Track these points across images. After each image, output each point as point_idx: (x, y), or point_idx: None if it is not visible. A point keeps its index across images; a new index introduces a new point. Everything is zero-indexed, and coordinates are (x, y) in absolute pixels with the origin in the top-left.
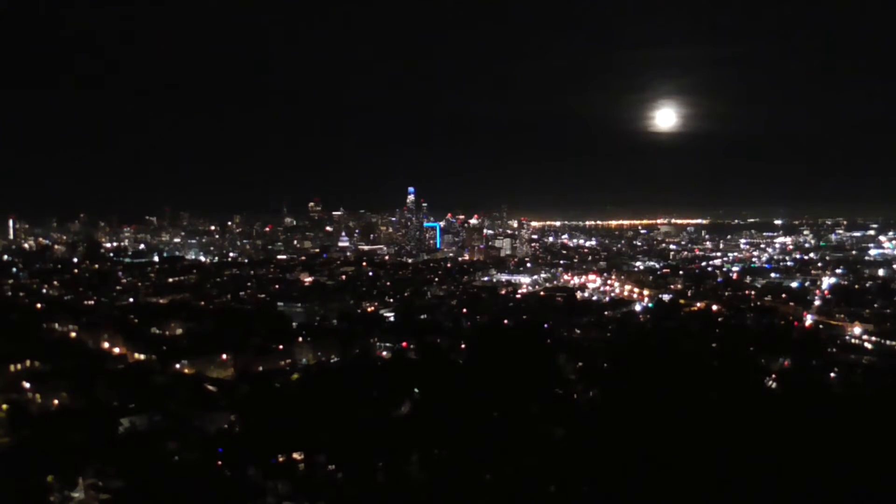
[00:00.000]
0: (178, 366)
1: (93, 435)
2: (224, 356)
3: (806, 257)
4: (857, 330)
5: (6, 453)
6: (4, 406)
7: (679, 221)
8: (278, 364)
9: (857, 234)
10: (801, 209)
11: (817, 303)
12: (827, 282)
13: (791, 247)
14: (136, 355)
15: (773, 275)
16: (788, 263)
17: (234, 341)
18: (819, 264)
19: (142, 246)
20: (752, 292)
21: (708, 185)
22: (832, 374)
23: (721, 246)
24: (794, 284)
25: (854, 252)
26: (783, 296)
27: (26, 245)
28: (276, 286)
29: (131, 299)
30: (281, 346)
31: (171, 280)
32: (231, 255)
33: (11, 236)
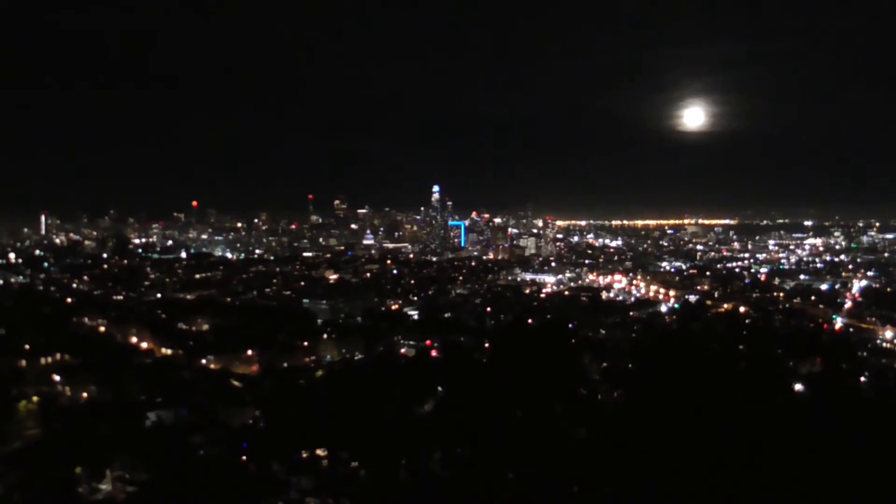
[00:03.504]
0: (203, 361)
1: (120, 428)
2: (249, 352)
3: (836, 259)
4: (889, 334)
5: (37, 445)
6: (35, 398)
7: (706, 222)
8: (303, 361)
9: (890, 236)
10: (833, 210)
11: (848, 305)
12: (858, 284)
13: (821, 248)
14: (163, 350)
15: (802, 277)
16: (818, 265)
17: (259, 337)
18: (850, 266)
19: (169, 242)
20: (781, 294)
21: (736, 184)
22: (863, 379)
23: (749, 247)
24: (824, 287)
25: (887, 254)
26: (813, 298)
27: (57, 240)
28: (302, 283)
29: (159, 295)
30: (306, 343)
31: (197, 276)
32: (257, 252)
33: (43, 231)
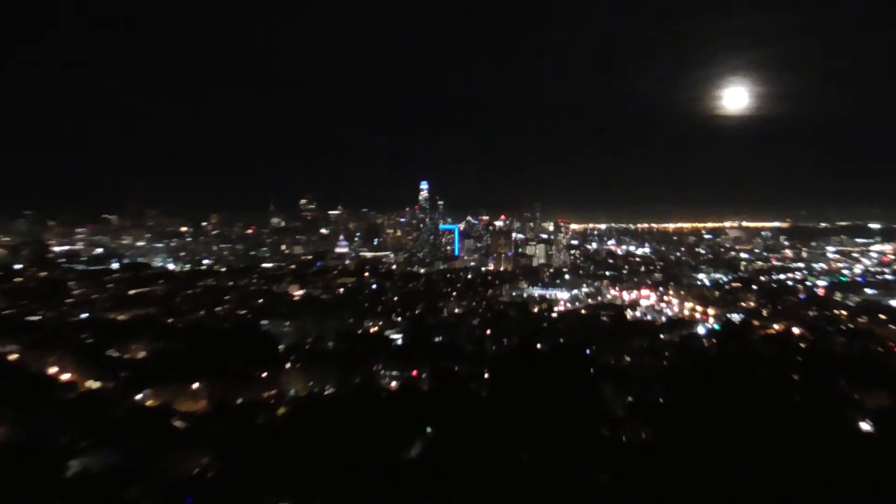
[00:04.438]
0: (140, 396)
1: (36, 479)
2: (196, 385)
3: None
4: None
5: None
6: None
7: (752, 224)
8: (262, 395)
9: None
10: None
11: None
12: None
13: (891, 256)
14: (90, 382)
15: (868, 291)
16: (888, 277)
17: (208, 366)
18: None
19: (99, 250)
20: (844, 312)
21: (787, 180)
22: None
23: (804, 255)
24: None
25: None
26: (882, 317)
27: None
28: (260, 300)
29: (85, 314)
30: (265, 373)
31: (132, 292)
32: (206, 261)
33: None
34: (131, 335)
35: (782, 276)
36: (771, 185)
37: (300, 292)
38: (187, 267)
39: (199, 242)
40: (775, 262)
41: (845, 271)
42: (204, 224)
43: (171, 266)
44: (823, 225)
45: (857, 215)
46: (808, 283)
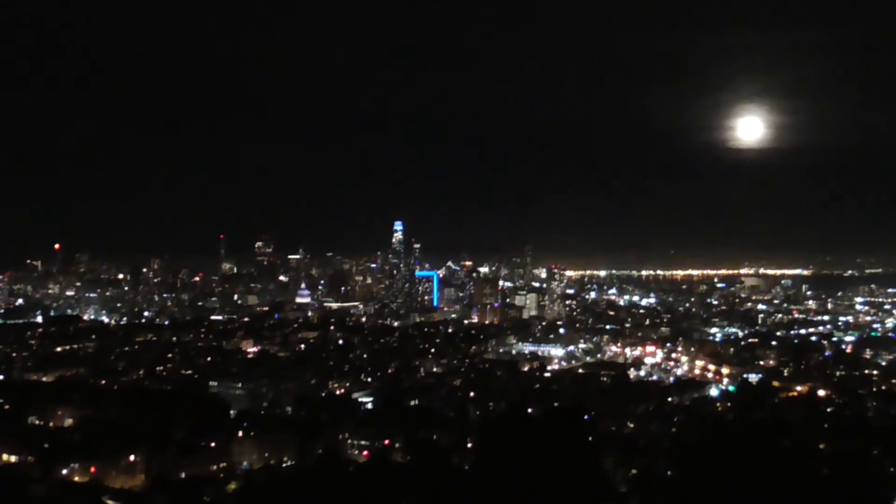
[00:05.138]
0: (65, 470)
1: None
2: (132, 457)
3: None
4: None
5: None
6: None
7: (770, 272)
8: (210, 468)
9: None
10: None
11: None
12: None
13: None
14: (7, 455)
15: None
16: None
17: (147, 435)
18: None
19: (19, 301)
20: (875, 372)
21: (810, 222)
22: None
23: (829, 306)
24: None
25: None
26: None
27: None
28: (208, 358)
29: (1, 376)
30: (214, 443)
31: (59, 349)
32: (146, 313)
33: None
34: (56, 399)
35: (805, 331)
36: (792, 227)
37: (254, 349)
38: (124, 320)
39: (137, 292)
40: (797, 315)
41: (876, 325)
42: (144, 271)
43: (104, 318)
44: (851, 273)
45: (890, 262)
46: (834, 339)
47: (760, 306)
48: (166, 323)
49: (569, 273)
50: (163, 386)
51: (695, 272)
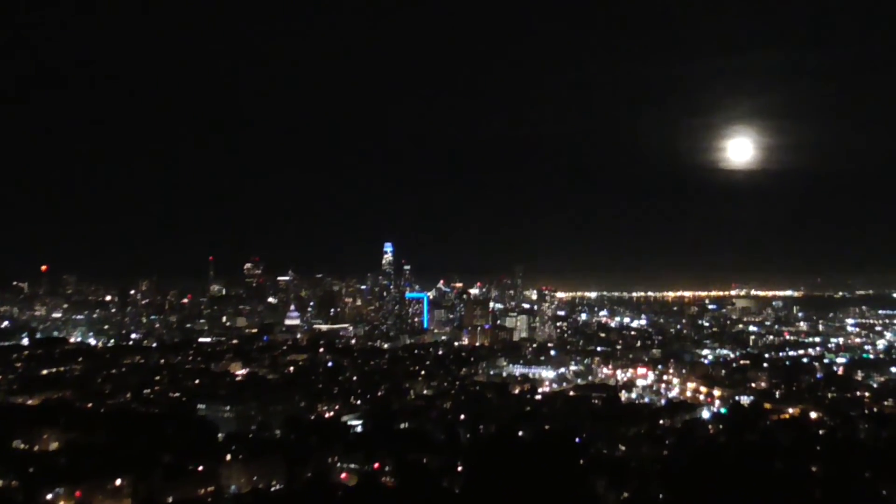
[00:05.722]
0: (50, 495)
1: None
2: (119, 481)
3: None
4: None
5: None
6: None
7: (762, 293)
8: (197, 492)
9: None
10: None
11: None
12: None
13: None
14: None
15: (894, 369)
16: None
17: (134, 459)
18: None
19: (5, 323)
20: (867, 394)
21: (801, 243)
22: None
23: (820, 328)
24: None
25: None
26: None
27: None
28: (197, 381)
29: None
30: (201, 467)
31: (45, 371)
32: (134, 335)
33: None
34: (42, 423)
35: (796, 353)
36: (783, 248)
37: (243, 371)
38: (111, 342)
39: (125, 313)
40: (788, 337)
41: (867, 347)
42: (132, 292)
43: (91, 341)
44: (842, 294)
45: (880, 283)
46: (825, 361)
47: (752, 328)
48: (154, 345)
49: (559, 295)
50: (150, 409)
51: (686, 293)
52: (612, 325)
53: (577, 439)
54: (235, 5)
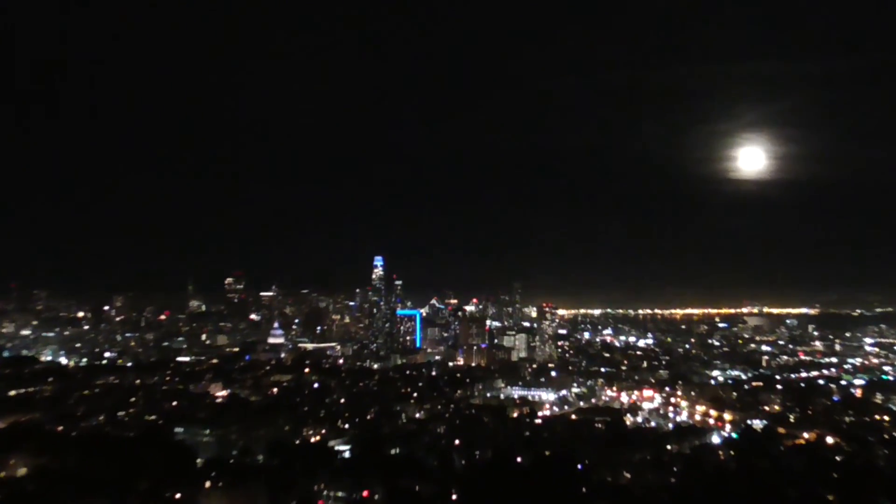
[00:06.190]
0: None
1: None
2: None
3: None
4: None
5: None
6: None
7: (774, 311)
8: None
9: None
10: None
11: None
12: None
13: None
14: None
15: None
16: None
17: (107, 486)
18: None
19: None
20: (886, 418)
21: (816, 258)
22: None
23: (837, 348)
24: None
25: None
26: None
27: None
28: (174, 402)
29: None
30: (179, 495)
31: (13, 392)
32: (108, 354)
33: None
34: (9, 447)
35: (811, 374)
36: (797, 264)
37: (224, 393)
38: (84, 361)
39: (99, 331)
40: (803, 357)
41: (887, 367)
42: (106, 308)
43: (63, 360)
44: (860, 312)
45: None
46: (842, 382)
47: (764, 347)
48: (129, 365)
49: (561, 312)
50: (125, 432)
51: (695, 311)
52: (617, 344)
53: (578, 466)
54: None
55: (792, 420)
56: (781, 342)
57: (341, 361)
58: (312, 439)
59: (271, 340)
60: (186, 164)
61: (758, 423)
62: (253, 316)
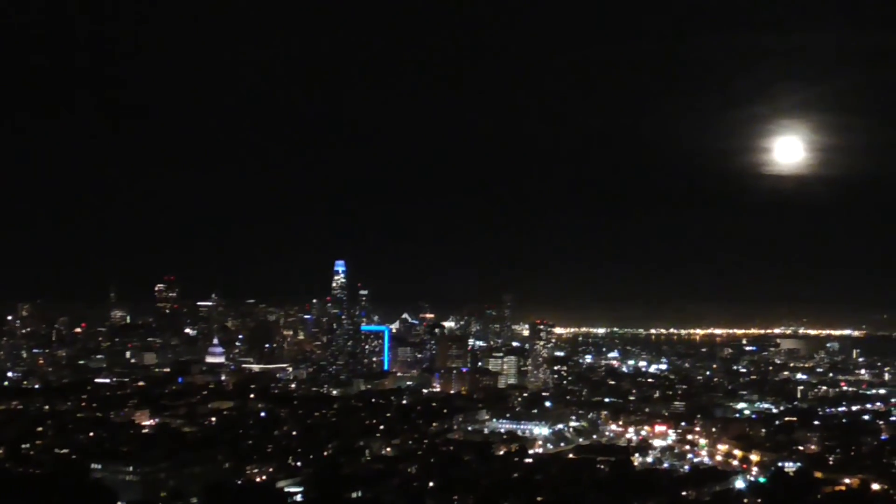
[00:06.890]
0: None
1: None
2: None
3: None
4: None
5: None
6: None
7: (813, 332)
8: None
9: None
10: None
11: None
12: None
13: None
14: None
15: None
16: None
17: None
18: None
19: None
20: None
21: (863, 271)
22: None
23: (886, 377)
24: None
25: None
26: None
27: None
28: (91, 433)
29: None
30: None
31: None
32: (10, 374)
33: None
34: None
35: (856, 408)
36: (840, 277)
37: (151, 422)
38: None
39: (1, 346)
40: (846, 388)
41: None
42: (9, 319)
43: None
44: None
45: None
46: (892, 418)
47: (800, 376)
48: (37, 387)
49: (558, 330)
50: (30, 469)
51: (718, 331)
52: (624, 369)
53: None
54: None
55: (832, 462)
56: (820, 370)
57: (294, 386)
58: (258, 479)
59: (209, 360)
60: (109, 146)
61: (790, 466)
62: (188, 330)
